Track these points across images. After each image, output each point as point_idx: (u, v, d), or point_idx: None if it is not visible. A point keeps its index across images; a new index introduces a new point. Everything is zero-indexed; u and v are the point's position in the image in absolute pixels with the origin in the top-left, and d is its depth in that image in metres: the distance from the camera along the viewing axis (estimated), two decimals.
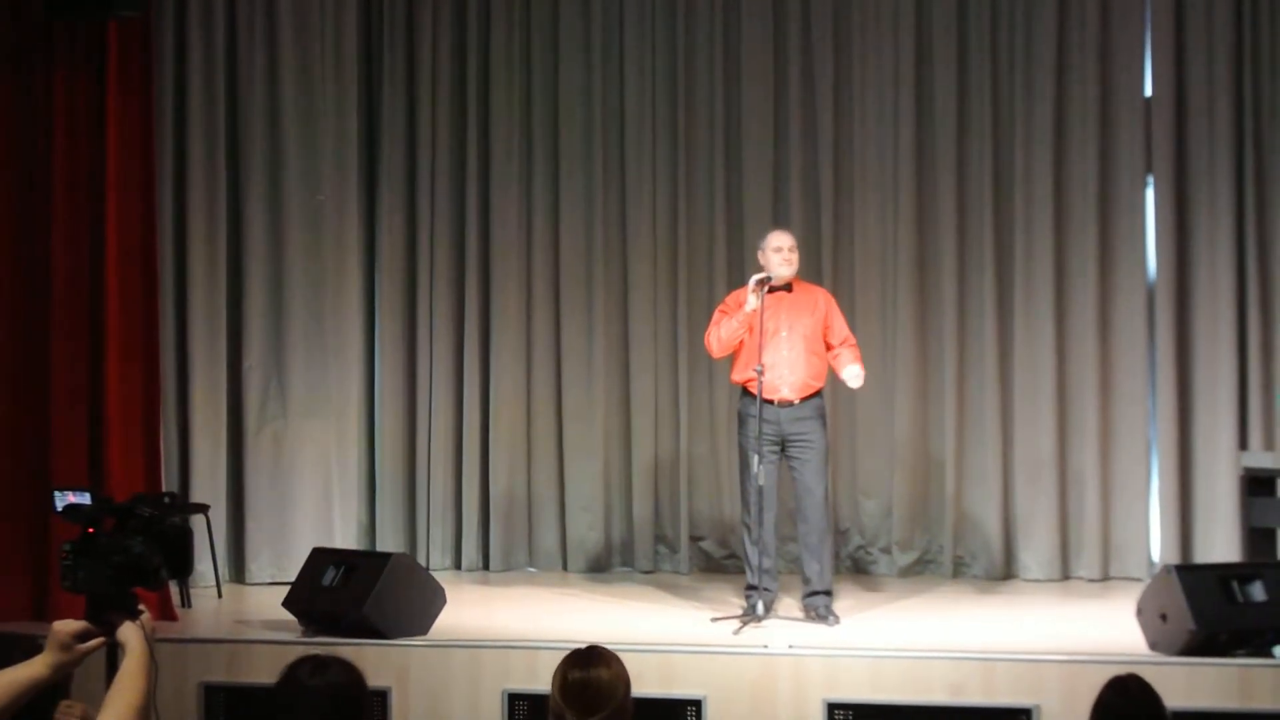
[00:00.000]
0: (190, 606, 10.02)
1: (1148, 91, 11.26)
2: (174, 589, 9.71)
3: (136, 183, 9.80)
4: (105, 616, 3.89)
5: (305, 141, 11.24)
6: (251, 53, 11.17)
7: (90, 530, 4.02)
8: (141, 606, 3.94)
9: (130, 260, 9.74)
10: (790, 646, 8.49)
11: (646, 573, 11.58)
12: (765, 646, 8.53)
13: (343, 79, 11.46)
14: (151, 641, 3.87)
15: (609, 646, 8.24)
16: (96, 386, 9.65)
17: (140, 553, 3.96)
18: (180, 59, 10.99)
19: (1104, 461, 11.24)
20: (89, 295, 9.69)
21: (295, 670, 4.31)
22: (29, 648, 3.94)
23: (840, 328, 9.63)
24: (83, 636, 3.86)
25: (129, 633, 3.86)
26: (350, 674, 4.31)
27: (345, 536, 11.20)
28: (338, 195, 11.41)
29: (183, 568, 4.10)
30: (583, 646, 4.75)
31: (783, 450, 9.43)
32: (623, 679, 4.59)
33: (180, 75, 10.98)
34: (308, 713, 4.21)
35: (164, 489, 10.10)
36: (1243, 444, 10.96)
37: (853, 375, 9.40)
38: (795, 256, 9.53)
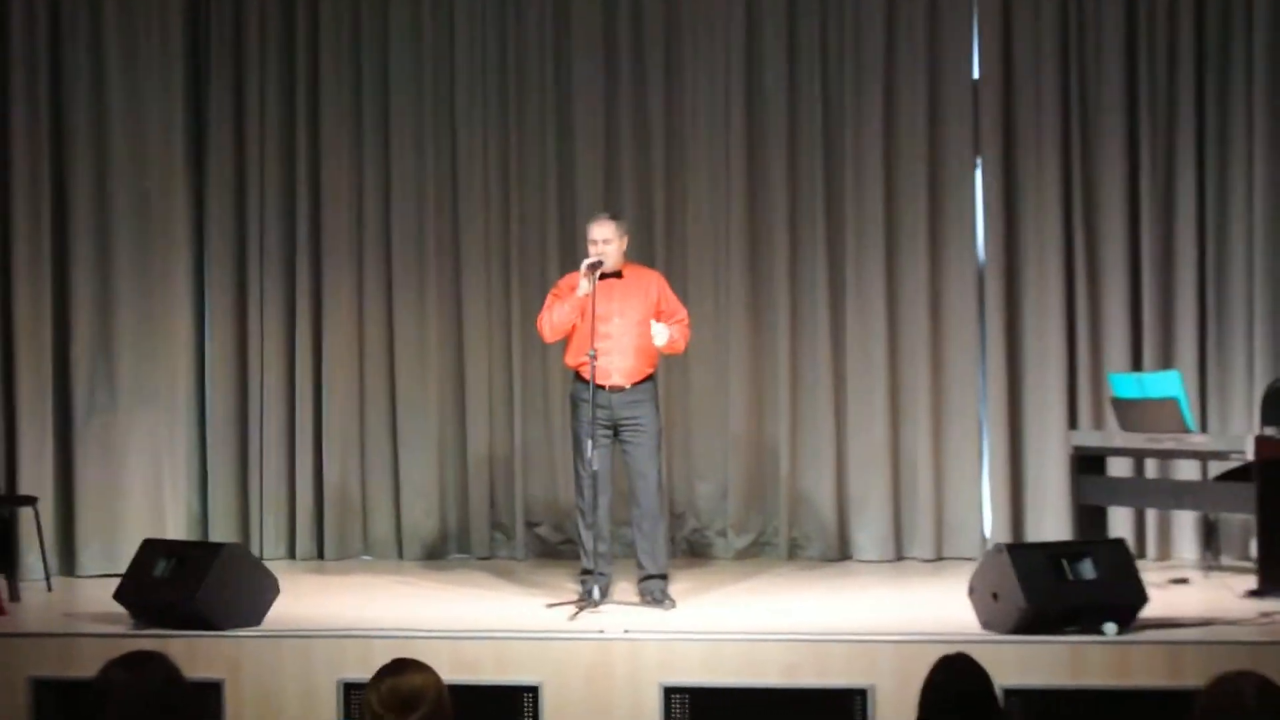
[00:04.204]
0: (19, 600, 9.83)
1: (976, 73, 11.36)
2: (2, 583, 9.53)
3: None
4: None
5: (131, 128, 11.10)
6: (75, 34, 10.99)
7: None
8: None
9: None
10: (626, 631, 8.47)
11: (482, 559, 11.54)
12: (601, 631, 8.51)
13: (169, 61, 11.30)
14: None
15: (443, 634, 8.25)
16: None
17: None
18: (1, 47, 10.81)
19: (936, 441, 11.35)
20: None
21: (110, 669, 4.26)
22: None
23: (673, 306, 9.56)
24: None
25: None
26: (166, 670, 4.26)
27: (177, 527, 11.08)
28: (165, 182, 11.27)
29: (3, 561, 4.03)
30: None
31: (615, 434, 9.42)
32: (433, 681, 4.57)
33: (2, 60, 10.81)
34: (122, 711, 4.16)
35: None
36: (1072, 423, 11.11)
37: (656, 332, 9.31)
38: (611, 248, 9.34)
